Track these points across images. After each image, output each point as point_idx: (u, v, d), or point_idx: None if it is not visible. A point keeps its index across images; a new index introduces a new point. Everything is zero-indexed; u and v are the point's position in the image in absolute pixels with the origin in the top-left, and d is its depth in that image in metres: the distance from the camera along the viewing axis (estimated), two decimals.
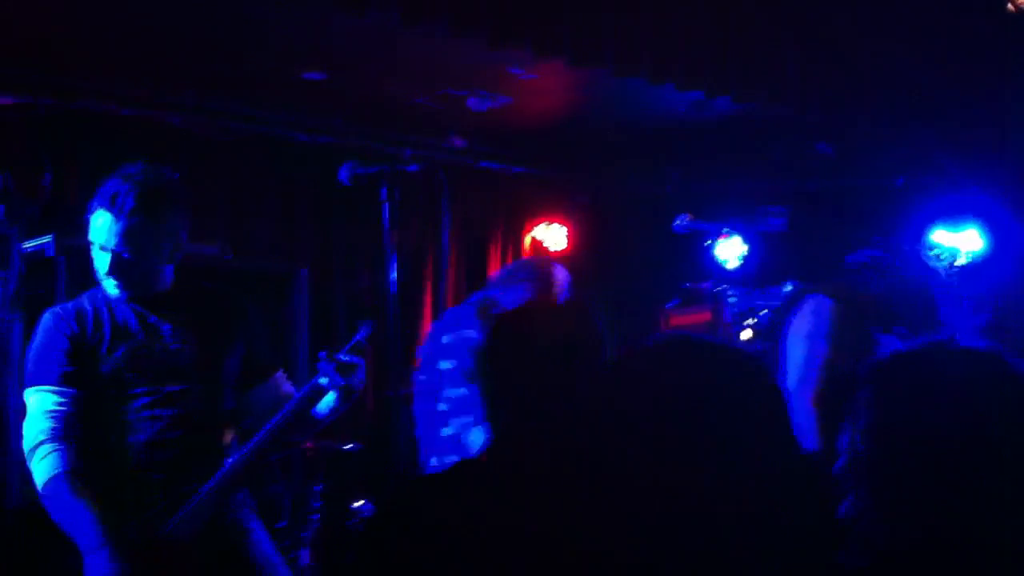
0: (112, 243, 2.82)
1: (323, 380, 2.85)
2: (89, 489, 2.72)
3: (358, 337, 2.90)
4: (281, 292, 5.63)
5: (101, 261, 2.88)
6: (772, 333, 3.65)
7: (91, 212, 2.87)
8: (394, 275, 3.02)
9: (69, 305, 2.94)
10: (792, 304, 3.58)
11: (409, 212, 4.13)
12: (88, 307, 2.91)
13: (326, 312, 5.88)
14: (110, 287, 2.90)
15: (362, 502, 4.86)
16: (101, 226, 2.83)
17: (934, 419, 1.52)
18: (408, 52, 4.69)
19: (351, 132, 5.80)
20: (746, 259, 6.78)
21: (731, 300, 6.74)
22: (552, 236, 7.03)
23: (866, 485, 1.55)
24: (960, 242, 6.41)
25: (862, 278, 3.57)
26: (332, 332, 5.77)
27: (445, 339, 3.74)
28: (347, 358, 2.84)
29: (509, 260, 6.91)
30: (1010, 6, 5.34)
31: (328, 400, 2.90)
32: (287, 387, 3.14)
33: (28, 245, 4.04)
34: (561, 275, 3.87)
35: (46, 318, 2.91)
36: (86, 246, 2.95)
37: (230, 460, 2.87)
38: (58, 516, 2.72)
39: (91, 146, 5.05)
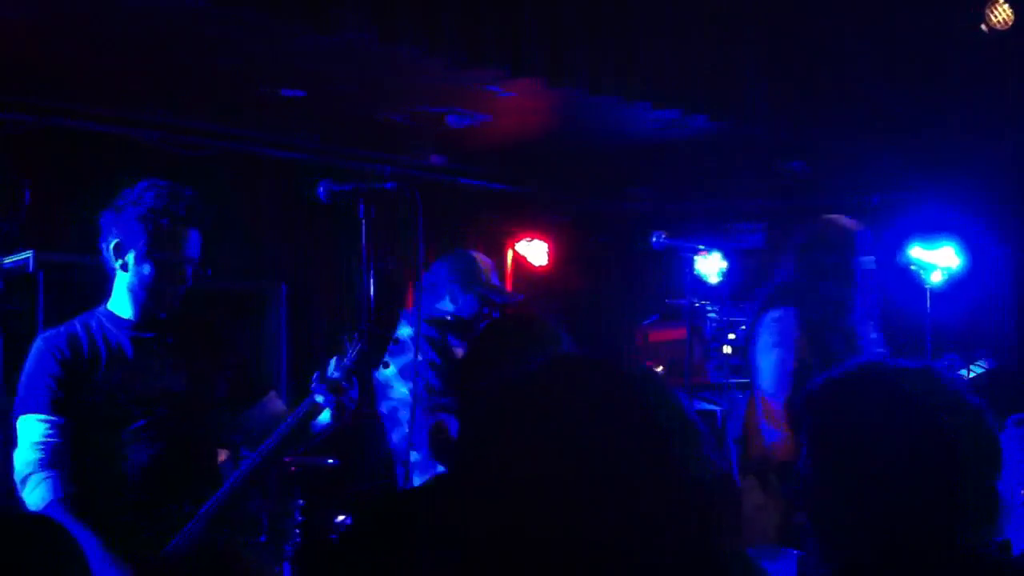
0: (144, 267, 2.81)
1: (318, 398, 2.84)
2: (83, 513, 2.70)
3: (352, 355, 2.91)
4: (260, 309, 5.64)
5: (122, 282, 2.86)
6: (746, 347, 3.71)
7: (115, 228, 2.84)
8: (372, 292, 3.04)
9: (61, 329, 2.89)
10: (758, 316, 3.64)
11: (388, 229, 4.16)
12: (81, 332, 2.87)
13: (305, 329, 5.89)
14: (123, 310, 2.88)
15: (343, 517, 4.87)
16: (129, 247, 2.82)
17: (865, 441, 1.54)
18: (386, 70, 4.72)
19: (329, 150, 5.82)
20: (726, 275, 6.83)
21: (711, 316, 6.78)
22: (533, 252, 7.07)
23: (809, 504, 1.59)
24: (937, 259, 6.47)
25: (822, 283, 3.61)
26: (311, 349, 5.78)
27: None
28: (338, 375, 2.84)
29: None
30: (984, 27, 5.41)
31: (324, 417, 2.89)
32: (278, 404, 3.12)
33: (7, 261, 4.06)
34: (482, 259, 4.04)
35: (38, 343, 2.87)
36: (74, 262, 2.95)
37: (228, 481, 2.85)
38: None
39: (68, 163, 5.06)
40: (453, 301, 4.14)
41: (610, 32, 4.78)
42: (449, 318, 4.11)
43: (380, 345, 3.01)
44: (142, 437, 2.82)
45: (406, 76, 4.82)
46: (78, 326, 2.89)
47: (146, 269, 2.83)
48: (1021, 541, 2.25)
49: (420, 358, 3.78)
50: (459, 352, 4.03)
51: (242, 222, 5.80)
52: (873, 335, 3.68)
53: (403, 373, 3.90)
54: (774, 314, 3.58)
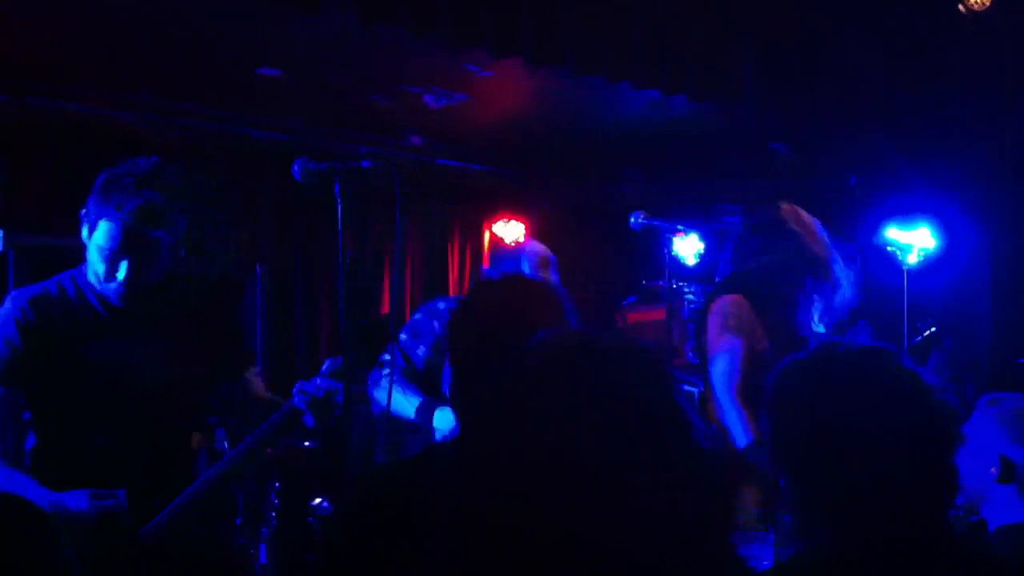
0: (113, 250, 2.61)
1: (299, 403, 2.69)
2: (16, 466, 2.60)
3: (338, 361, 2.82)
4: (237, 289, 5.61)
5: (97, 264, 2.66)
6: (697, 340, 3.71)
7: (92, 219, 2.64)
8: (348, 271, 3.00)
9: (36, 289, 2.69)
10: (704, 309, 3.66)
11: (367, 209, 4.13)
12: (55, 295, 2.70)
13: (283, 309, 5.86)
14: (101, 285, 2.69)
15: (320, 499, 4.85)
16: (101, 230, 2.61)
17: (825, 420, 1.56)
18: (365, 49, 4.68)
19: (307, 130, 5.79)
20: (703, 256, 6.85)
21: (688, 297, 6.80)
22: (511, 232, 7.06)
23: (782, 484, 1.60)
24: (913, 239, 6.51)
25: (755, 265, 3.62)
26: (288, 329, 5.76)
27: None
28: (324, 382, 2.69)
29: (468, 256, 6.95)
30: (961, 8, 5.42)
31: (307, 419, 2.74)
32: (259, 384, 2.99)
33: None
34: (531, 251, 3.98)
35: (6, 301, 2.68)
36: (49, 244, 2.85)
37: (204, 474, 2.72)
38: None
39: (43, 144, 5.01)
40: None
41: (592, 10, 4.76)
42: None
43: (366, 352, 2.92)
44: (112, 419, 2.69)
45: (385, 55, 4.78)
46: (53, 289, 2.71)
47: (123, 264, 2.64)
48: (996, 518, 2.28)
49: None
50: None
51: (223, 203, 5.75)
52: (822, 327, 3.69)
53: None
54: (724, 301, 3.59)
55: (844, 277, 3.71)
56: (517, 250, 4.09)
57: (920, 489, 1.54)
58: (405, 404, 3.64)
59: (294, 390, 2.71)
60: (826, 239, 3.70)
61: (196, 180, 2.75)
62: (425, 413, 3.61)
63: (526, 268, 3.99)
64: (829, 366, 1.61)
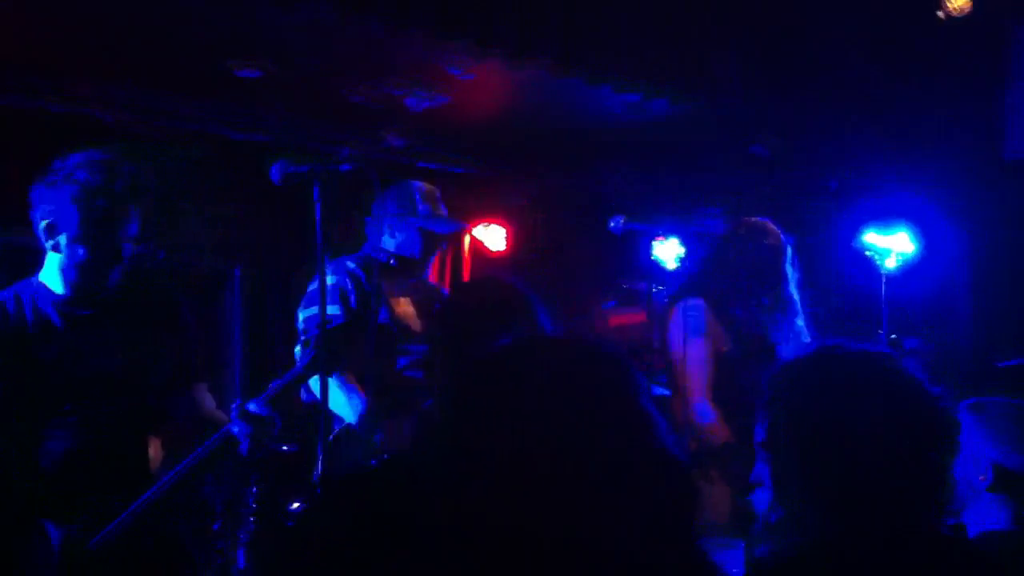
0: (77, 250, 2.66)
1: (234, 429, 2.65)
2: None
3: (273, 386, 2.70)
4: (214, 291, 5.57)
5: (53, 259, 2.70)
6: (662, 347, 3.79)
7: (46, 207, 2.67)
8: (326, 274, 2.99)
9: None
10: (666, 315, 3.75)
11: (346, 211, 4.11)
12: (11, 304, 2.70)
13: (260, 312, 5.82)
14: (55, 285, 2.73)
15: (298, 503, 4.83)
16: (61, 230, 2.66)
17: (825, 420, 1.56)
18: (345, 50, 4.66)
19: (286, 131, 5.76)
20: (683, 260, 6.85)
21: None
22: (491, 236, 7.05)
23: (774, 484, 1.60)
24: (891, 244, 6.53)
25: (711, 267, 3.79)
26: (266, 332, 5.72)
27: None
28: (257, 409, 2.64)
29: (448, 260, 6.92)
30: (940, 13, 5.45)
31: (241, 447, 2.67)
32: (209, 402, 2.97)
33: None
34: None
35: None
36: (25, 240, 2.83)
37: (143, 496, 2.67)
38: None
39: (21, 144, 4.96)
40: (392, 236, 4.02)
41: (572, 12, 4.75)
42: (392, 262, 4.00)
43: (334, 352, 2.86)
44: (67, 423, 2.67)
45: (365, 56, 4.76)
46: (9, 297, 2.72)
47: (80, 252, 2.68)
48: (976, 524, 2.27)
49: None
50: (401, 301, 3.95)
51: (197, 202, 5.72)
52: (792, 319, 3.84)
53: (307, 324, 3.82)
54: (684, 305, 3.70)
55: (790, 275, 3.88)
56: (407, 185, 4.11)
57: (915, 492, 1.54)
58: (345, 406, 3.60)
59: (232, 415, 2.64)
60: (775, 241, 3.88)
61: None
62: (367, 422, 3.58)
63: (418, 204, 4.01)
64: (827, 366, 1.61)
